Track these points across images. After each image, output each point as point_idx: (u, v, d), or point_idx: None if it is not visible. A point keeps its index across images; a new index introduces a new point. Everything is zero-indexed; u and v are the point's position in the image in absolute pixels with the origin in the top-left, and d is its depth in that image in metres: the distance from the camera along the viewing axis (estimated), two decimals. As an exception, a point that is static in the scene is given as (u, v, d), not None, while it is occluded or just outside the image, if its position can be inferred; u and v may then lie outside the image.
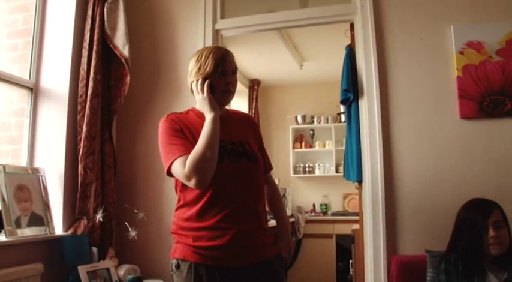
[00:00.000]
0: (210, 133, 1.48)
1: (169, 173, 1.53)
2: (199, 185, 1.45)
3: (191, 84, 1.63)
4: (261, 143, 1.81)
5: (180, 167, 1.45)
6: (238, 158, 1.57)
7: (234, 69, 1.63)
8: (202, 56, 1.60)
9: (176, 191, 1.63)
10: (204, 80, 1.58)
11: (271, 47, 4.67)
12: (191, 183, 1.44)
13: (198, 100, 1.61)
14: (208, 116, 1.52)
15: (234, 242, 1.48)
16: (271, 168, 1.85)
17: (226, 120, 1.65)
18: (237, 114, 1.83)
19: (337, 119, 5.89)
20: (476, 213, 1.83)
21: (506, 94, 2.37)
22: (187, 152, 1.47)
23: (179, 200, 1.62)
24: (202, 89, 1.57)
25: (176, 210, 1.62)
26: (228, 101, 1.67)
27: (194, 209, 1.53)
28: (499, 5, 2.47)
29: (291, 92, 6.25)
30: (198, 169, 1.42)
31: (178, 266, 1.53)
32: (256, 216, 1.59)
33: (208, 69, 1.57)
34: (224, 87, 1.59)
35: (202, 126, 1.54)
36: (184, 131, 1.57)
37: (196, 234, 1.51)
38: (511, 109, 2.35)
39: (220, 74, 1.58)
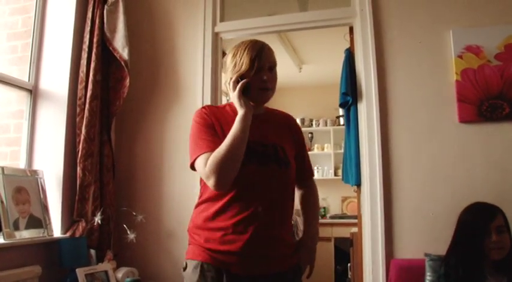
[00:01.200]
0: (237, 133, 1.40)
1: (193, 167, 1.48)
2: (218, 187, 1.39)
3: (228, 82, 1.55)
4: (301, 147, 1.70)
5: (202, 164, 1.40)
6: (267, 162, 1.49)
7: (271, 65, 1.53)
8: (237, 53, 1.52)
9: (200, 184, 1.56)
10: (238, 78, 1.50)
11: (270, 50, 4.67)
12: (210, 183, 1.39)
13: (232, 98, 1.53)
14: (239, 113, 1.45)
15: (247, 250, 1.41)
16: (311, 174, 1.76)
17: (263, 120, 1.58)
18: (277, 115, 1.72)
19: (336, 122, 5.90)
20: (478, 217, 1.82)
21: (504, 98, 2.38)
22: (214, 148, 1.40)
23: (200, 196, 1.56)
24: (234, 87, 1.49)
25: (196, 207, 1.56)
26: (265, 99, 1.57)
27: (213, 208, 1.46)
28: (497, 9, 2.48)
29: (290, 95, 6.24)
30: (218, 170, 1.35)
31: (185, 267, 1.47)
32: (278, 224, 1.50)
33: (243, 67, 1.49)
34: (260, 85, 1.50)
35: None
36: (215, 125, 1.51)
37: (209, 235, 1.45)
38: (510, 113, 2.36)
39: (257, 71, 1.49)
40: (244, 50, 1.51)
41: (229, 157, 1.37)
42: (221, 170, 1.36)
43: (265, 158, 1.49)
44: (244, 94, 1.47)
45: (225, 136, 1.43)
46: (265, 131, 1.56)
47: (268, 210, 1.45)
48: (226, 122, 1.50)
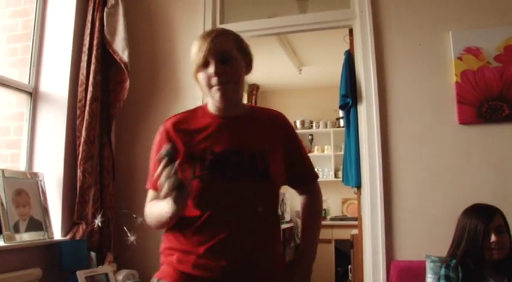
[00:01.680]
0: (163, 218, 1.23)
1: None
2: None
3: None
4: (296, 148, 1.46)
5: (147, 201, 1.38)
6: (239, 176, 1.28)
7: (224, 55, 1.29)
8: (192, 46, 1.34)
9: None
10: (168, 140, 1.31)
11: (270, 52, 4.68)
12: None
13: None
14: (168, 208, 1.18)
15: (224, 278, 1.22)
16: (313, 177, 1.53)
17: (241, 122, 1.37)
18: (264, 114, 1.47)
19: (336, 124, 5.90)
20: (478, 218, 1.83)
21: (504, 100, 2.38)
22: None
23: None
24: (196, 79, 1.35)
25: (167, 228, 1.37)
26: (227, 97, 1.30)
27: (184, 231, 1.28)
28: (497, 11, 2.48)
29: (290, 97, 6.25)
30: (149, 224, 1.34)
31: None
32: (260, 248, 1.28)
33: (194, 64, 1.33)
34: (208, 82, 1.29)
35: (207, 126, 1.34)
36: (176, 143, 1.29)
37: (182, 256, 1.26)
38: (509, 115, 2.36)
39: (204, 66, 1.30)
40: (193, 44, 1.33)
41: (157, 226, 1.32)
42: (153, 226, 1.33)
43: (238, 170, 1.28)
44: (179, 191, 1.12)
45: (193, 140, 1.31)
46: (243, 136, 1.35)
47: (246, 231, 1.26)
48: (196, 129, 1.34)
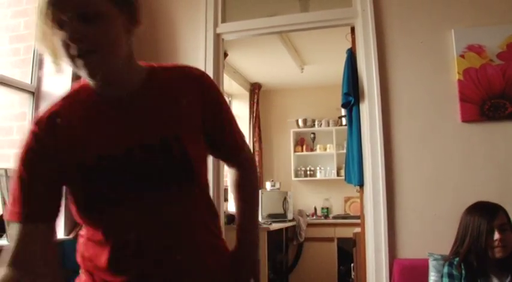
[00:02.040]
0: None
1: None
2: None
3: None
4: (217, 113, 1.10)
5: (11, 238, 0.94)
6: (148, 185, 0.96)
7: (82, 10, 0.87)
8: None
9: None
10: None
11: (272, 50, 4.68)
12: None
13: None
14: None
15: None
16: (239, 149, 1.20)
17: (136, 101, 1.00)
18: (168, 79, 1.07)
19: (338, 123, 5.89)
20: (481, 216, 1.82)
21: (507, 97, 2.37)
22: (22, 214, 0.92)
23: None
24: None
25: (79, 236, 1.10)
26: (94, 76, 0.93)
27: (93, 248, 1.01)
28: (499, 9, 2.47)
29: (292, 96, 6.25)
30: None
31: None
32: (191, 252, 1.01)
33: (40, 25, 0.89)
34: (68, 52, 0.89)
35: (92, 115, 0.98)
36: (49, 149, 0.95)
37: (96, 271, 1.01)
38: (512, 112, 2.36)
39: (57, 27, 0.88)
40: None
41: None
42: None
43: (145, 176, 0.95)
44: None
45: (80, 148, 0.96)
46: (142, 118, 0.99)
47: (167, 259, 0.98)
48: (79, 122, 0.98)
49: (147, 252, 0.96)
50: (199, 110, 1.05)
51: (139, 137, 0.97)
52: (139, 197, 0.95)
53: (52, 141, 0.95)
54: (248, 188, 1.23)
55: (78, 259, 1.05)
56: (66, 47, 0.88)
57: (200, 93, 1.06)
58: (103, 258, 0.96)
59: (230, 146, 1.18)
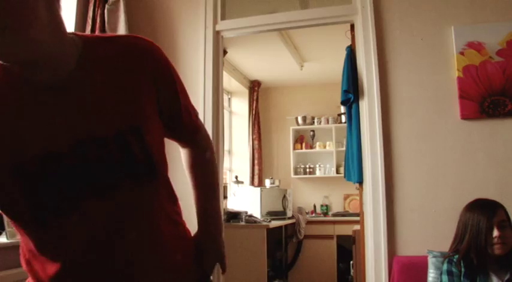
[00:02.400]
0: None
1: None
2: None
3: None
4: (167, 91, 0.96)
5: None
6: (106, 187, 0.82)
7: None
8: None
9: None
10: None
11: (271, 48, 4.68)
12: None
13: None
14: None
15: None
16: (195, 128, 1.10)
17: (74, 83, 0.81)
18: (111, 50, 0.89)
19: (337, 120, 5.89)
20: (480, 213, 1.82)
21: (506, 95, 2.37)
22: None
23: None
24: None
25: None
26: (9, 60, 0.76)
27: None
28: (499, 6, 2.47)
29: (291, 93, 6.25)
30: None
31: None
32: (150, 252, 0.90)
33: None
34: None
35: (19, 107, 0.78)
36: None
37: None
38: (512, 109, 2.36)
39: None
40: None
41: None
42: None
43: (99, 176, 0.81)
44: None
45: (14, 134, 0.77)
46: (88, 106, 0.81)
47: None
48: (7, 105, 0.78)
49: (106, 273, 0.83)
50: (153, 89, 0.90)
51: (87, 129, 0.80)
52: (91, 204, 0.80)
53: None
54: (207, 170, 1.13)
55: (23, 265, 0.90)
56: None
57: (152, 69, 0.91)
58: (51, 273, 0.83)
59: (187, 125, 1.06)
